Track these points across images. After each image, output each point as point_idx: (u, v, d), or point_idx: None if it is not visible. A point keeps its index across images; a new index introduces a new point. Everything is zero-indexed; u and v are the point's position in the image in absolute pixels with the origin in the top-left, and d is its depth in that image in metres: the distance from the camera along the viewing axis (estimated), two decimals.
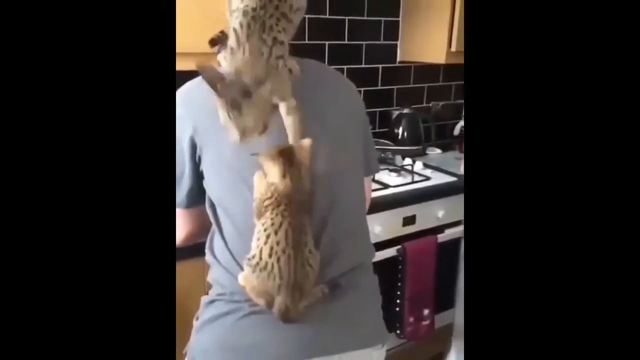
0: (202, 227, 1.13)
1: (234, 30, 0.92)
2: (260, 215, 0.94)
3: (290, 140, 0.97)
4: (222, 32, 1.11)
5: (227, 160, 1.00)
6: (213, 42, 1.13)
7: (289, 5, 0.96)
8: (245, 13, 0.92)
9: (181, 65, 1.07)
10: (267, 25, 0.93)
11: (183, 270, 1.40)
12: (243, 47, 0.92)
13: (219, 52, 1.08)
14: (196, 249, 1.44)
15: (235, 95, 0.89)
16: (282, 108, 0.96)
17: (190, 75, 1.06)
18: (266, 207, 0.93)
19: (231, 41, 0.93)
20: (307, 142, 0.94)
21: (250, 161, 0.96)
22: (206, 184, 1.03)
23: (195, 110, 1.01)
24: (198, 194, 1.06)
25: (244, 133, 0.91)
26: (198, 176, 1.04)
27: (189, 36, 1.37)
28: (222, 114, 0.91)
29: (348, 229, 1.07)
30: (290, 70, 0.96)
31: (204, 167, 1.02)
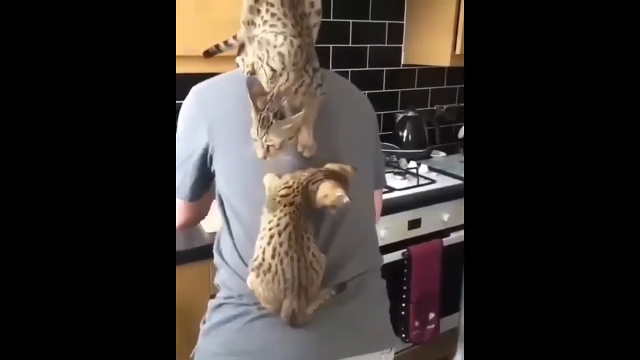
0: (199, 216, 1.20)
1: (281, 54, 0.94)
2: (272, 208, 0.94)
3: (299, 149, 0.98)
4: (216, 45, 1.14)
5: (238, 162, 1.01)
6: (207, 54, 1.16)
7: (311, 27, 0.99)
8: (291, 43, 0.94)
9: (181, 68, 1.07)
10: (312, 55, 0.97)
11: (187, 274, 1.41)
12: (288, 74, 0.94)
13: (238, 54, 1.10)
14: (199, 253, 1.45)
15: (270, 114, 0.91)
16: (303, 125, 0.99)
17: (189, 78, 1.06)
18: (280, 200, 0.93)
19: (276, 65, 0.95)
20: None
21: (263, 164, 0.97)
22: (217, 183, 1.05)
23: (209, 110, 1.02)
24: (201, 189, 1.10)
25: (267, 151, 0.93)
26: (204, 173, 1.05)
27: (189, 39, 1.38)
28: (253, 128, 0.94)
29: (357, 239, 1.08)
30: (323, 93, 0.99)
31: (215, 166, 1.03)
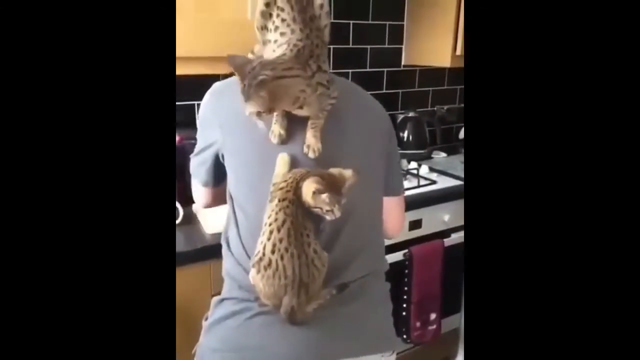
0: (217, 200, 1.22)
1: (284, 55, 0.96)
2: (269, 200, 0.96)
3: (304, 150, 1.00)
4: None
5: (246, 162, 1.04)
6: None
7: (322, 28, 1.00)
8: (295, 45, 0.96)
9: (181, 69, 1.08)
10: (315, 53, 0.97)
11: (188, 274, 1.41)
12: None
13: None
14: (200, 254, 1.45)
15: (250, 82, 0.90)
16: (309, 122, 1.00)
17: (189, 79, 1.06)
18: (275, 193, 0.95)
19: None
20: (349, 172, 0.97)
21: (269, 163, 0.99)
22: (228, 178, 1.08)
23: (222, 110, 1.06)
24: (214, 178, 1.15)
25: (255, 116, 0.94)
26: (218, 164, 1.10)
27: (190, 40, 1.38)
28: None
29: (361, 241, 1.08)
30: (329, 96, 1.00)
31: (225, 162, 1.07)
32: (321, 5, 1.01)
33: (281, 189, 0.95)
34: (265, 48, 1.02)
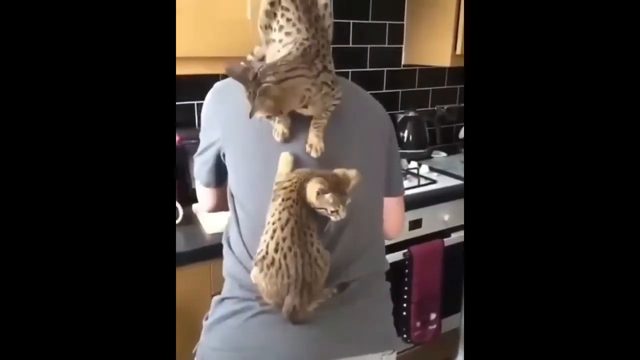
0: (221, 202, 1.20)
1: (289, 53, 0.96)
2: (273, 198, 0.96)
3: (307, 149, 1.01)
4: None
5: (247, 160, 1.04)
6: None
7: (326, 28, 1.01)
8: (302, 44, 0.96)
9: (181, 69, 1.08)
10: (321, 53, 0.98)
11: (188, 275, 1.41)
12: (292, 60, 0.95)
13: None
14: (200, 254, 1.45)
15: (254, 91, 0.90)
16: (312, 122, 1.01)
17: (189, 79, 1.06)
18: (280, 192, 0.95)
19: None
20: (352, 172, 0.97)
21: (270, 161, 1.00)
22: (229, 177, 1.08)
23: (223, 109, 1.07)
24: (217, 178, 1.15)
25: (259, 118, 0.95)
26: (219, 164, 1.10)
27: (190, 41, 1.38)
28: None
29: (363, 241, 1.09)
30: (334, 96, 1.00)
31: (226, 162, 1.07)
32: (325, 5, 1.01)
33: (285, 188, 0.95)
34: (269, 47, 1.02)
